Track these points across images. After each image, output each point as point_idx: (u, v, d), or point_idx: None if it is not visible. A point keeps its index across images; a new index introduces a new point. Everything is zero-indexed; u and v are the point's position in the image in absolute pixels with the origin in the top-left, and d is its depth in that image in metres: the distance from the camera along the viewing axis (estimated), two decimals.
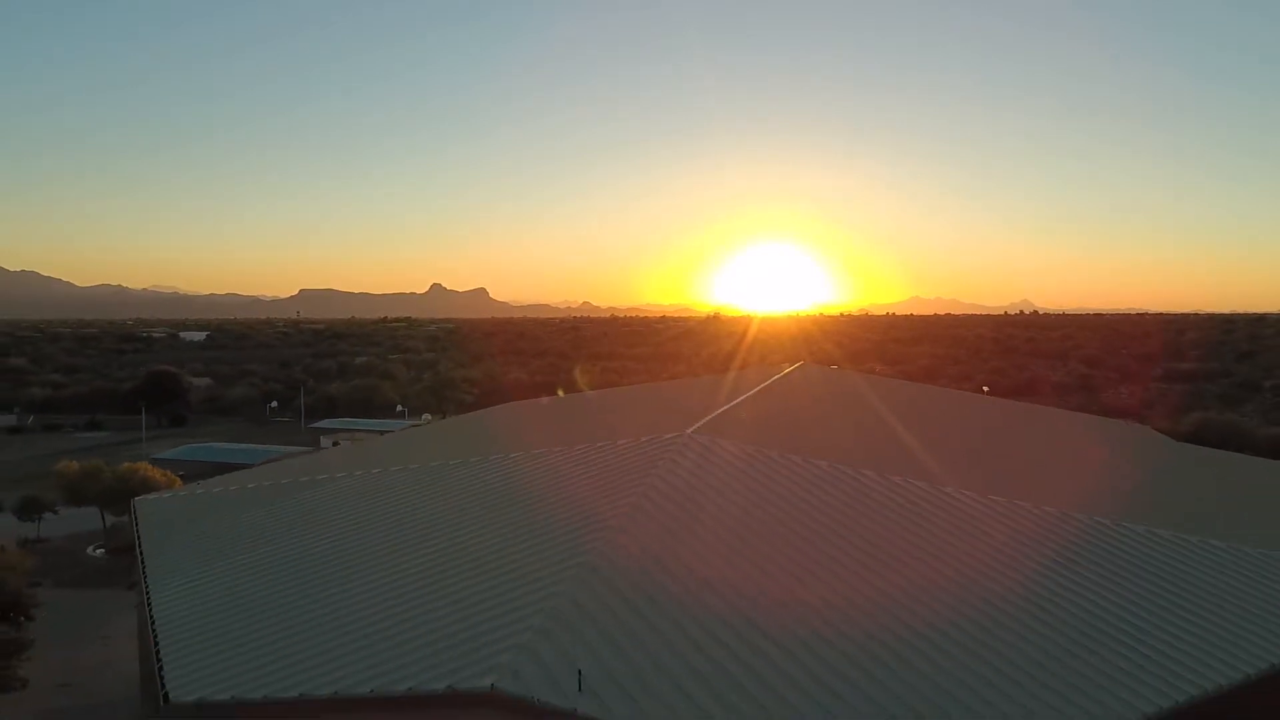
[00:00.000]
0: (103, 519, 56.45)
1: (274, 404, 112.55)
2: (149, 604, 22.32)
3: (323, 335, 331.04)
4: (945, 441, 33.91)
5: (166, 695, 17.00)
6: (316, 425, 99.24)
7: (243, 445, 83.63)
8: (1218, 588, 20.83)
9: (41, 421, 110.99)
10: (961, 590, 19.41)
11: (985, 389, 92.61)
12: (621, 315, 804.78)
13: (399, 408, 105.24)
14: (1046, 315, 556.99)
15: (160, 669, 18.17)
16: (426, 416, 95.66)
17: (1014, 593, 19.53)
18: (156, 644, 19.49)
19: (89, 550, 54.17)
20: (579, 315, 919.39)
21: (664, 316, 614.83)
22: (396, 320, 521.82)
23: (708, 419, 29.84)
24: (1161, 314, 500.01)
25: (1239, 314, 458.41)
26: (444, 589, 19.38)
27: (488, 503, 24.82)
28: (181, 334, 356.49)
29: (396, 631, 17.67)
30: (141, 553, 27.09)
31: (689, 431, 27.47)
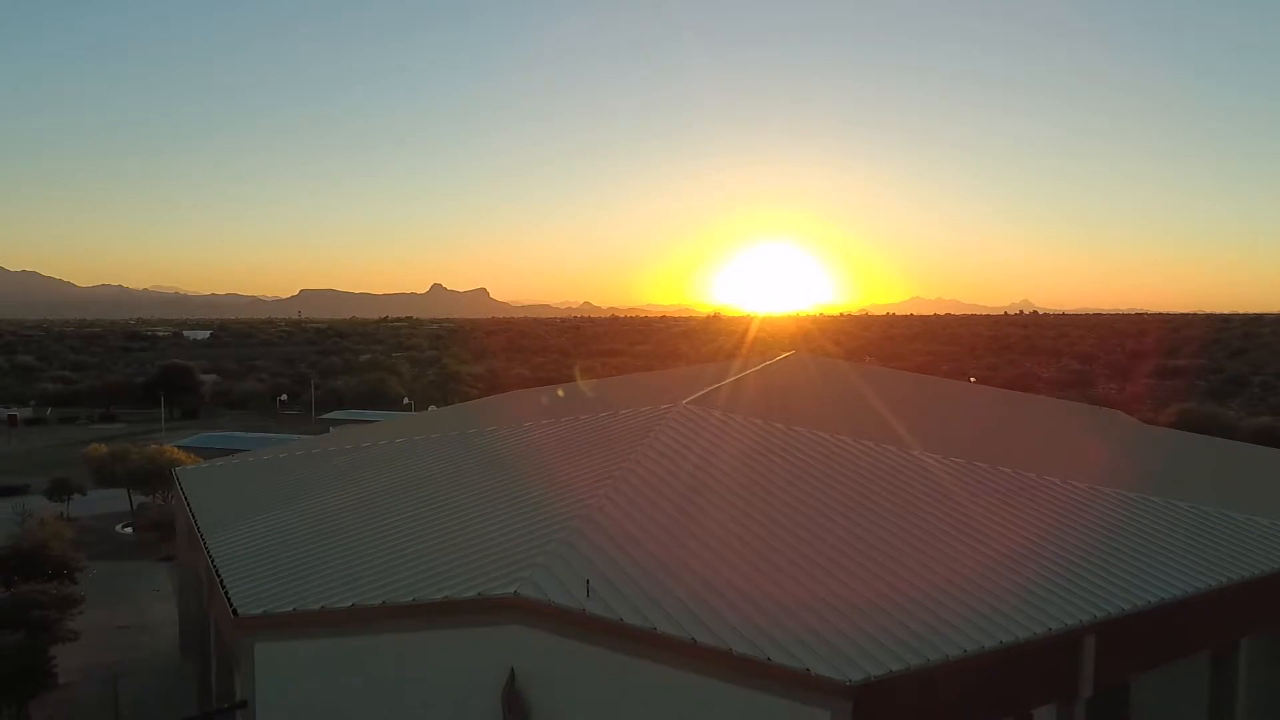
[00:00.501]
0: (130, 499, 59.36)
1: (283, 397, 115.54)
2: (205, 545, 25.23)
3: (325, 334, 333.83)
4: (918, 416, 36.87)
5: (235, 610, 19.93)
6: (326, 416, 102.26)
7: (257, 434, 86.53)
8: (1141, 530, 23.90)
9: (58, 414, 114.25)
10: (919, 523, 22.49)
11: (972, 379, 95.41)
12: (622, 315, 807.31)
13: (405, 400, 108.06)
14: (1046, 315, 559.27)
15: (226, 592, 21.08)
16: (433, 408, 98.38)
17: (963, 530, 22.57)
18: (219, 574, 22.39)
19: (118, 528, 57.06)
20: (579, 315, 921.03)
21: (664, 316, 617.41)
22: (398, 320, 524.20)
23: (700, 394, 32.82)
24: (1161, 314, 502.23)
25: (1238, 314, 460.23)
26: (471, 522, 22.41)
27: (508, 459, 27.89)
28: (185, 333, 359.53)
29: (432, 556, 20.65)
30: (191, 508, 30.03)
31: (683, 403, 30.48)
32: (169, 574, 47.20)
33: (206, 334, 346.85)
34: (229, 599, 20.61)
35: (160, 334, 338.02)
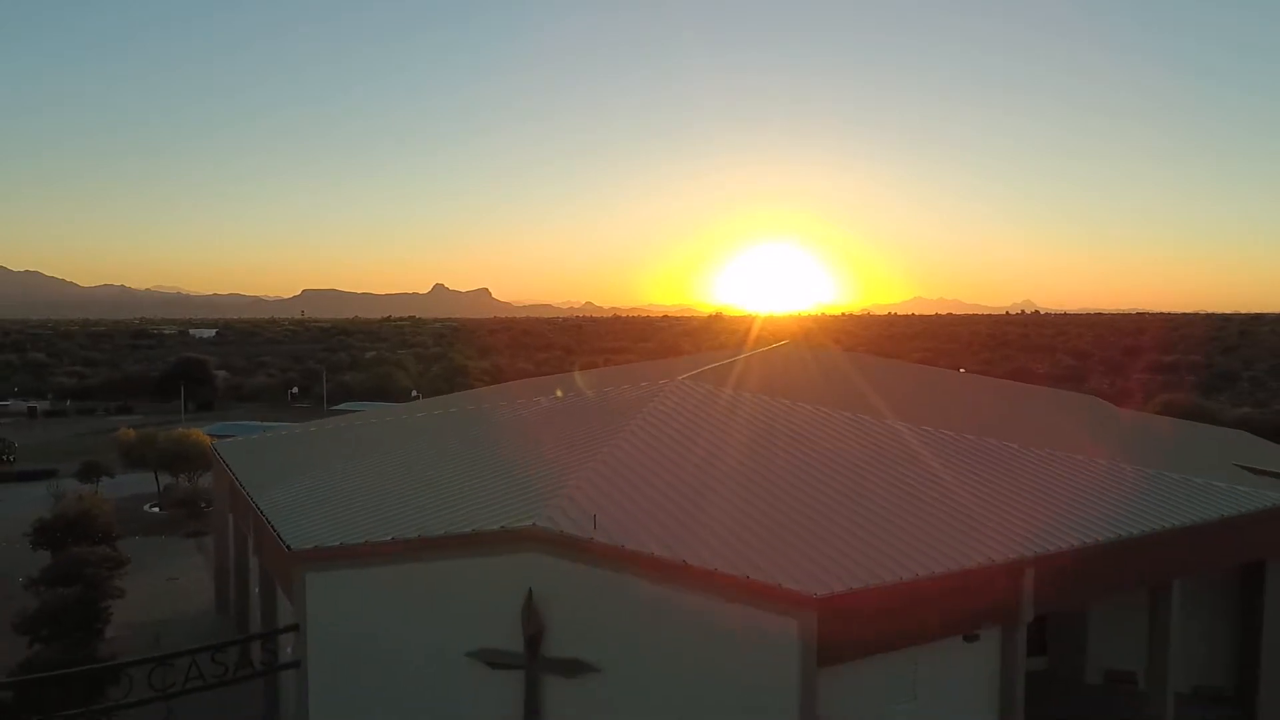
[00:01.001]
0: (157, 481, 62.41)
1: (294, 390, 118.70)
2: (253, 500, 28.28)
3: (330, 332, 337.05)
4: (894, 393, 39.88)
5: (288, 545, 22.96)
6: (336, 408, 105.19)
7: (273, 424, 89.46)
8: (1082, 486, 27.01)
9: (75, 407, 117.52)
10: (887, 475, 25.61)
11: (961, 370, 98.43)
12: (624, 315, 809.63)
13: (414, 394, 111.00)
14: (1047, 315, 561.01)
15: (278, 533, 24.11)
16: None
17: (927, 483, 25.66)
18: (269, 521, 25.41)
19: (146, 508, 60.09)
20: (581, 315, 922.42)
21: (666, 316, 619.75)
22: (401, 319, 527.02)
23: (695, 372, 35.89)
24: (1163, 314, 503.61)
25: (1239, 313, 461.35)
26: (492, 475, 25.50)
27: (522, 425, 31.00)
28: (191, 331, 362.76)
29: (458, 501, 23.71)
30: (233, 472, 33.08)
31: (680, 379, 33.58)
32: (198, 546, 50.28)
33: (212, 332, 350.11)
34: (281, 538, 23.65)
35: (166, 332, 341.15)
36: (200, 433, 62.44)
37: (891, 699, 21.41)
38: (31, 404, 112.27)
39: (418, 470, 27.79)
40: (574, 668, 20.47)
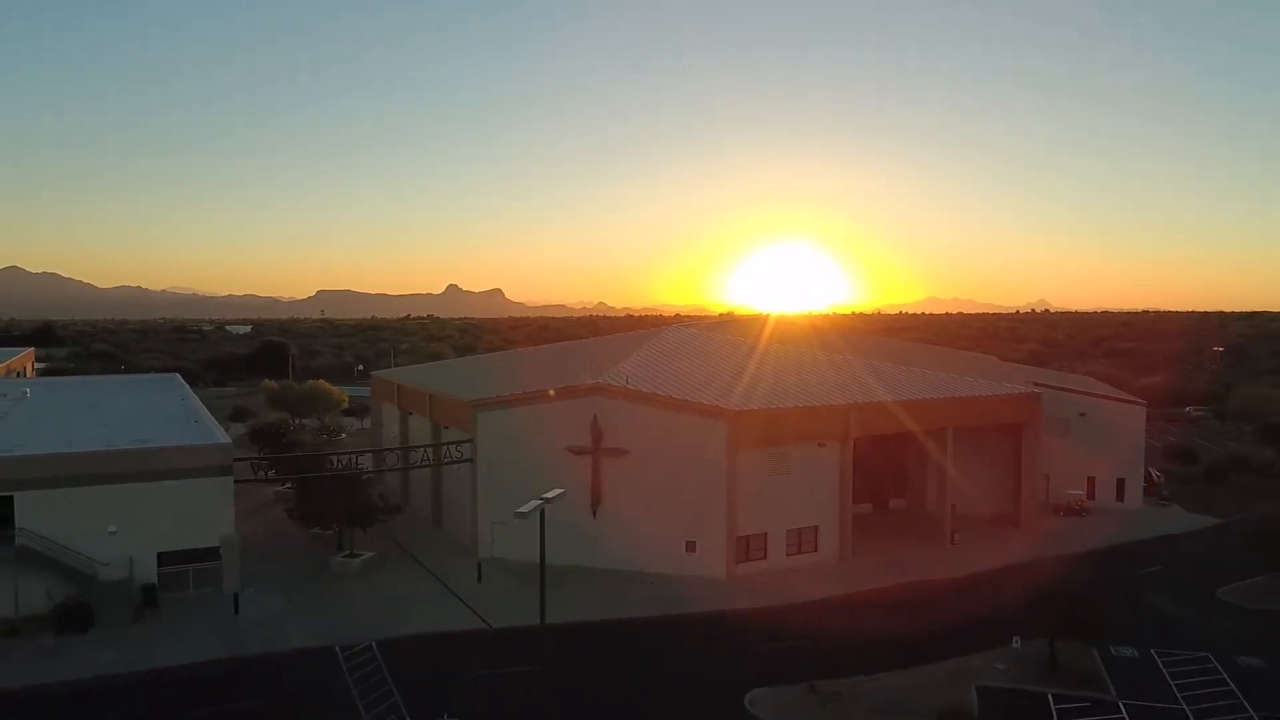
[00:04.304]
0: (292, 418, 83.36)
1: (360, 367, 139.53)
2: (427, 390, 49.46)
3: (358, 328, 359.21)
4: (850, 349, 60.99)
5: (470, 402, 43.99)
6: None
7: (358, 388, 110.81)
8: (899, 378, 48.17)
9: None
10: (811, 372, 46.77)
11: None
12: (637, 315, 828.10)
13: None
14: (1056, 314, 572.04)
15: (454, 397, 45.19)
16: None
17: (835, 382, 46.72)
18: (445, 393, 46.58)
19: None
20: (595, 315, 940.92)
21: (678, 316, 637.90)
22: (421, 317, 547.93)
23: (691, 326, 57.01)
24: (1163, 311, 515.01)
25: (1239, 311, 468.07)
26: (567, 370, 46.68)
27: (575, 351, 52.23)
28: (227, 327, 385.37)
29: (550, 379, 44.75)
30: (397, 381, 54.41)
31: (673, 328, 54.72)
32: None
33: (248, 328, 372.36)
34: (460, 398, 44.79)
35: (206, 329, 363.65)
36: (325, 384, 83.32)
37: (773, 471, 42.25)
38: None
39: (518, 370, 48.96)
40: (617, 453, 41.45)
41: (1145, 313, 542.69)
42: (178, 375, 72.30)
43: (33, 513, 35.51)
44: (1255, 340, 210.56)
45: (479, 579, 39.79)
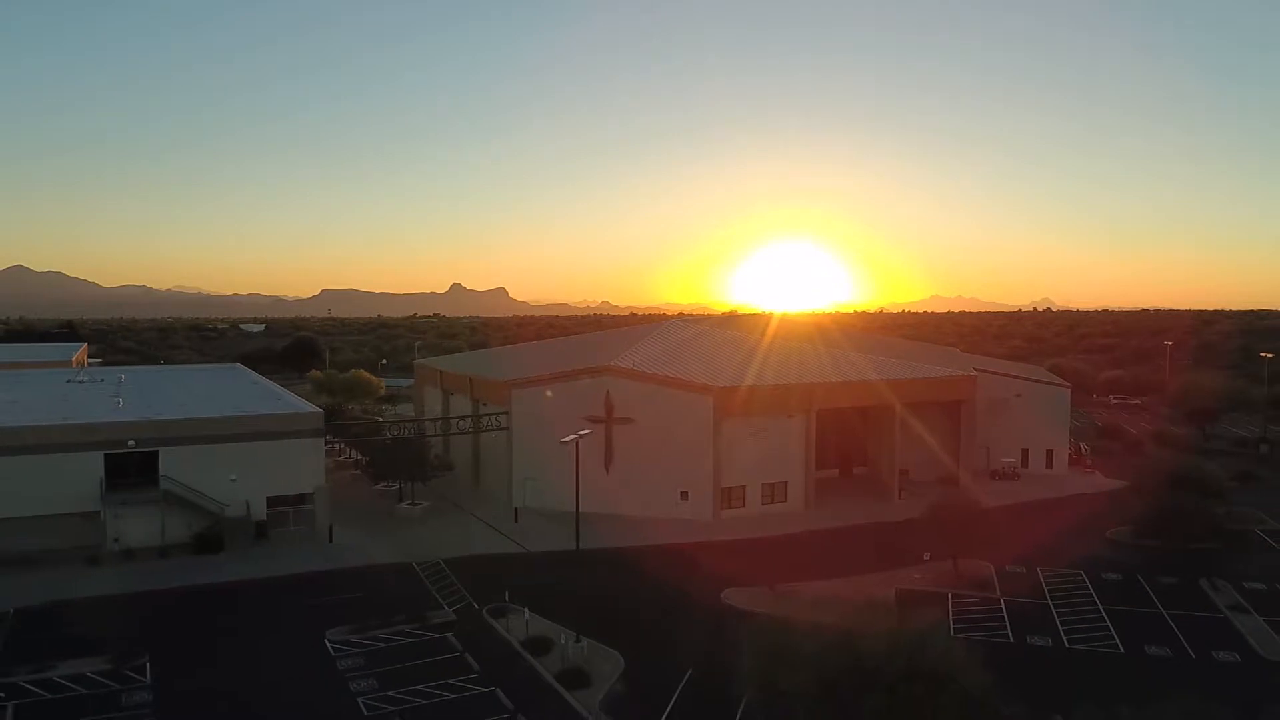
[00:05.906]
0: (342, 405, 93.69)
1: (384, 361, 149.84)
2: (468, 373, 59.92)
3: (370, 325, 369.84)
4: (836, 342, 71.29)
5: (506, 381, 54.47)
6: None
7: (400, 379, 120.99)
8: (864, 365, 58.72)
9: None
10: (796, 359, 57.26)
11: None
12: (640, 314, 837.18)
13: None
14: (1054, 313, 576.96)
15: (492, 378, 55.66)
16: None
17: (824, 368, 57.20)
18: (482, 376, 57.04)
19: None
20: (598, 314, 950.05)
21: (682, 314, 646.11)
22: (428, 316, 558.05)
23: (688, 322, 67.43)
24: (1164, 310, 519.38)
25: (1238, 310, 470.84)
26: (582, 354, 57.15)
27: (587, 340, 62.66)
28: (242, 326, 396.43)
29: (567, 361, 55.15)
30: (440, 367, 64.82)
31: (673, 321, 65.20)
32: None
33: (262, 327, 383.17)
34: (497, 378, 55.24)
35: (222, 328, 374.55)
36: (365, 373, 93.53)
37: (750, 435, 52.58)
38: None
39: (542, 355, 59.38)
40: (625, 421, 51.83)
41: (1146, 311, 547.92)
42: (240, 364, 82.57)
43: (173, 464, 45.89)
44: (1231, 336, 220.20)
45: (515, 519, 50.39)
